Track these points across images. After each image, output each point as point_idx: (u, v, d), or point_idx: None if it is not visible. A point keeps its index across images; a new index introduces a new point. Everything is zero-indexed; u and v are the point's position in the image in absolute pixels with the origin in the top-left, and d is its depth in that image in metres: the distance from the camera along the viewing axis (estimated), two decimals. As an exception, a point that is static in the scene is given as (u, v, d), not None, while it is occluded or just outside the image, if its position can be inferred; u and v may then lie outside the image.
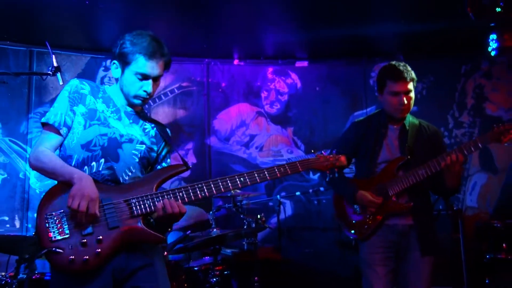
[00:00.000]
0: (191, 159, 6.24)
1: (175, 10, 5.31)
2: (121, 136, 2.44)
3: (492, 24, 4.27)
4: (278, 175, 2.52)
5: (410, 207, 3.20)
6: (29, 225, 5.50)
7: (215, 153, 6.37)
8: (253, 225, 4.52)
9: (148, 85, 2.43)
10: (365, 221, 3.29)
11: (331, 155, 2.67)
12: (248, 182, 2.44)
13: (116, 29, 5.54)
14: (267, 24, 5.67)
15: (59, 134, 2.40)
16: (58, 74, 3.48)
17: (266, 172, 2.49)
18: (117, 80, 2.51)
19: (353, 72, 6.40)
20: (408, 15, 5.38)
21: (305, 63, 6.62)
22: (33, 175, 5.59)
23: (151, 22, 5.38)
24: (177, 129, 6.25)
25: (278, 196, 5.75)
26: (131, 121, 2.52)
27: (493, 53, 4.80)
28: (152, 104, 6.18)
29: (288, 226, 6.08)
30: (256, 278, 4.38)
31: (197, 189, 2.38)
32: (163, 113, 6.22)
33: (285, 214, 6.16)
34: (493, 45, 4.71)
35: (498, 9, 3.91)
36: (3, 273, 3.80)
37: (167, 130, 2.63)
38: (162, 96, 6.25)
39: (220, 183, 2.41)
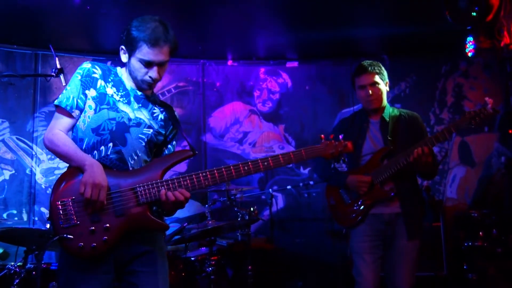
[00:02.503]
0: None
1: (172, 15, 5.32)
2: (129, 120, 2.39)
3: (469, 27, 4.31)
4: (283, 163, 2.42)
5: (393, 193, 3.23)
6: (36, 218, 5.53)
7: (211, 149, 6.40)
8: (247, 217, 4.54)
9: (153, 71, 2.36)
10: (353, 209, 3.33)
11: (338, 142, 2.55)
12: (252, 170, 2.37)
13: (116, 33, 5.54)
14: (258, 27, 5.68)
15: (72, 117, 2.36)
16: (61, 76, 3.52)
17: (270, 160, 2.39)
18: (125, 64, 2.45)
19: (340, 71, 6.43)
20: (391, 18, 5.41)
21: (295, 64, 6.64)
22: (39, 171, 5.62)
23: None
24: (175, 127, 6.27)
25: (270, 189, 5.80)
26: (140, 105, 2.45)
27: (470, 54, 4.84)
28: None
29: (280, 217, 6.10)
30: (249, 267, 4.41)
31: (201, 177, 2.31)
32: (161, 112, 6.22)
33: (277, 207, 6.19)
34: (470, 46, 4.76)
35: (473, 14, 3.95)
36: (12, 263, 3.83)
37: (176, 113, 2.56)
38: (159, 95, 6.26)
39: (224, 171, 2.33)
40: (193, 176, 2.32)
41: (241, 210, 4.64)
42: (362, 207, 3.30)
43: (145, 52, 2.32)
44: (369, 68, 3.36)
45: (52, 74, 3.52)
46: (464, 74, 6.22)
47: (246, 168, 2.37)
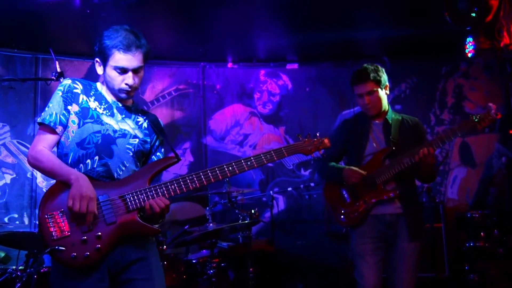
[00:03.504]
0: (189, 158, 6.28)
1: (172, 18, 5.34)
2: (114, 131, 2.40)
3: (468, 28, 4.31)
4: (265, 161, 2.47)
5: (396, 193, 3.24)
6: (37, 222, 5.52)
7: (211, 152, 6.40)
8: (248, 219, 4.55)
9: (128, 78, 2.37)
10: (354, 208, 3.33)
11: (315, 139, 2.64)
12: (237, 171, 2.40)
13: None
14: (258, 30, 5.69)
15: (55, 133, 2.37)
16: (62, 79, 3.53)
17: (253, 159, 2.44)
18: (102, 77, 2.45)
19: (340, 73, 6.43)
20: (391, 20, 5.42)
21: (295, 66, 6.65)
22: (39, 175, 5.62)
23: (149, 29, 5.40)
24: (175, 129, 6.28)
25: (271, 191, 5.81)
26: (123, 115, 2.47)
27: (470, 55, 4.85)
28: (150, 106, 6.21)
29: (280, 219, 6.12)
30: (251, 269, 4.40)
31: (188, 180, 2.35)
32: (161, 114, 6.23)
33: (278, 209, 6.20)
34: (469, 47, 4.76)
35: (473, 14, 3.95)
36: (13, 267, 3.82)
37: (159, 121, 2.58)
38: (160, 98, 6.28)
39: (209, 173, 2.37)
40: (180, 180, 2.35)
41: (242, 212, 4.65)
42: (365, 206, 3.30)
43: (118, 58, 2.33)
44: (366, 76, 3.35)
45: (53, 78, 3.52)
46: (464, 75, 6.22)
47: (230, 168, 2.41)
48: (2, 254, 4.37)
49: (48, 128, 2.37)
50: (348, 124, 3.56)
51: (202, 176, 2.37)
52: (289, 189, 5.81)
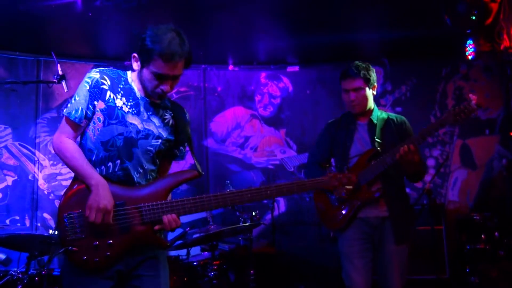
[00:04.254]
0: (190, 160, 6.26)
1: (173, 21, 5.30)
2: (138, 132, 2.36)
3: (468, 31, 4.31)
4: (286, 193, 2.50)
5: (380, 193, 3.20)
6: (38, 224, 5.54)
7: (212, 154, 6.41)
8: (248, 221, 4.55)
9: (165, 85, 2.32)
10: (341, 212, 3.29)
11: (342, 174, 2.57)
12: (256, 198, 2.41)
13: (117, 39, 5.58)
14: (259, 32, 5.70)
15: (80, 127, 2.37)
16: (63, 82, 3.54)
17: (274, 189, 2.43)
18: (137, 71, 2.39)
19: (341, 75, 6.44)
20: (391, 22, 5.42)
21: (296, 68, 6.66)
22: (41, 177, 5.63)
23: (151, 32, 5.41)
24: (176, 132, 6.28)
25: (271, 193, 5.79)
26: (150, 113, 2.41)
27: (470, 57, 4.84)
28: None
29: (281, 222, 6.12)
30: (251, 271, 4.40)
31: (205, 202, 2.35)
32: (163, 117, 6.23)
33: (279, 211, 6.21)
34: (470, 50, 4.76)
35: (472, 17, 3.95)
36: (15, 269, 3.83)
37: (186, 115, 2.54)
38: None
39: (227, 197, 2.37)
40: (197, 199, 2.35)
41: (243, 215, 4.65)
42: (349, 208, 3.26)
43: (159, 66, 2.26)
44: (354, 72, 3.34)
45: (54, 80, 3.55)
46: (464, 77, 6.22)
47: (249, 195, 2.40)
48: (4, 256, 4.38)
49: (73, 123, 2.36)
50: (333, 126, 3.52)
51: (220, 199, 2.37)
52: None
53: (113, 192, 2.28)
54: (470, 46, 4.80)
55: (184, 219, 5.84)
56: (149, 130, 2.40)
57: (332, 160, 3.55)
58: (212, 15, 5.10)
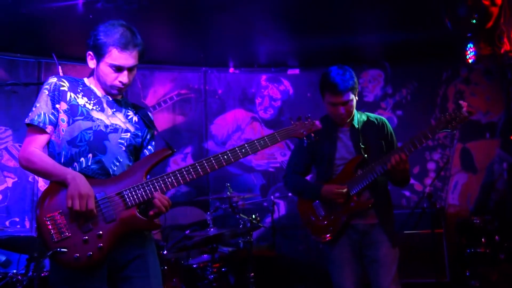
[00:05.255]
0: (190, 162, 6.28)
1: (174, 23, 5.36)
2: (106, 127, 2.37)
3: (469, 34, 4.32)
4: (259, 148, 2.47)
5: (372, 203, 3.11)
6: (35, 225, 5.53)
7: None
8: (248, 224, 4.54)
9: (123, 76, 2.36)
10: (329, 223, 3.20)
11: (306, 121, 2.62)
12: (232, 159, 2.39)
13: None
14: (260, 35, 5.71)
15: (45, 133, 2.32)
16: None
17: (247, 146, 2.44)
18: (93, 70, 2.43)
19: (341, 78, 6.44)
20: (392, 25, 5.43)
21: (297, 71, 6.67)
22: (41, 179, 5.63)
23: (151, 35, 5.42)
24: (176, 134, 6.29)
25: (272, 196, 5.81)
26: (114, 109, 2.44)
27: (470, 61, 4.85)
28: (152, 110, 6.22)
29: (281, 224, 6.10)
30: (251, 274, 4.40)
31: (184, 172, 2.33)
32: (162, 119, 6.25)
33: (279, 214, 6.20)
34: (470, 53, 4.76)
35: (473, 21, 3.96)
36: (14, 271, 3.82)
37: (149, 114, 2.57)
38: (161, 103, 6.29)
39: (205, 163, 2.35)
40: (176, 172, 2.33)
41: (243, 217, 4.64)
42: (339, 219, 3.17)
43: (114, 56, 2.32)
44: (342, 87, 3.11)
45: (55, 82, 3.54)
46: (465, 80, 6.23)
47: (225, 157, 2.39)
48: (3, 258, 4.38)
49: (38, 129, 2.32)
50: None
51: (198, 167, 2.35)
52: (290, 194, 5.79)
53: (91, 186, 2.23)
54: (471, 50, 4.80)
55: (184, 221, 5.86)
56: (116, 124, 2.41)
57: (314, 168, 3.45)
58: (213, 17, 5.11)
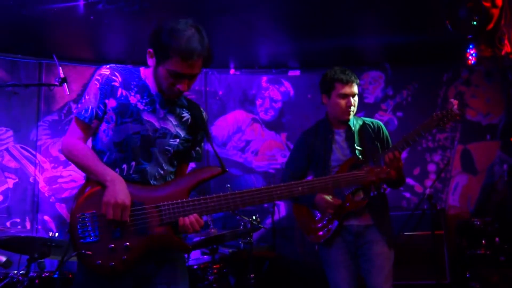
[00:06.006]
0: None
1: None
2: (155, 131, 2.21)
3: (470, 36, 4.32)
4: (318, 189, 2.35)
5: (365, 203, 3.14)
6: (39, 226, 5.54)
7: (213, 158, 6.42)
8: (249, 225, 4.54)
9: (182, 84, 2.16)
10: (324, 224, 3.23)
11: (380, 168, 2.50)
12: (284, 196, 2.24)
13: (119, 42, 5.60)
14: (261, 37, 5.71)
15: (90, 128, 2.22)
16: (65, 85, 3.55)
17: (305, 185, 2.28)
18: (151, 67, 2.23)
19: (342, 80, 6.44)
20: (393, 27, 5.44)
21: (297, 72, 6.67)
22: (42, 180, 5.64)
23: (152, 36, 5.43)
24: (177, 135, 6.29)
25: (272, 197, 5.77)
26: (166, 111, 2.26)
27: (471, 63, 4.85)
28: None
29: (282, 226, 6.10)
30: (252, 275, 4.40)
31: (230, 200, 2.17)
32: (164, 120, 6.25)
33: (279, 215, 6.20)
34: (471, 55, 4.77)
35: (474, 23, 3.96)
36: (15, 272, 3.83)
37: (203, 115, 2.38)
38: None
39: (256, 195, 2.20)
40: (222, 197, 2.18)
41: (243, 219, 4.64)
42: (334, 220, 3.19)
43: (176, 64, 2.11)
44: (354, 78, 3.28)
45: (56, 83, 3.56)
46: (465, 82, 6.23)
47: (278, 192, 2.24)
48: (4, 259, 4.38)
49: (84, 124, 2.22)
50: (309, 136, 3.41)
51: (246, 198, 2.19)
52: (290, 196, 5.78)
53: (130, 192, 2.12)
54: (472, 52, 4.81)
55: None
56: (166, 128, 2.25)
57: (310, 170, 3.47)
58: (214, 19, 5.12)
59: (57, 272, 3.88)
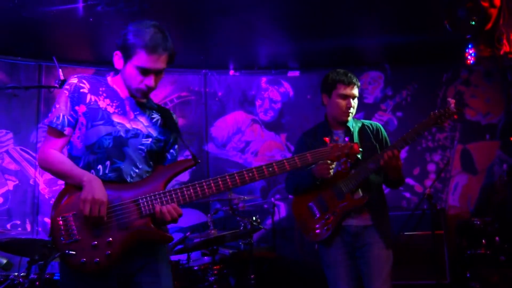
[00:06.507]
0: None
1: (174, 25, 5.37)
2: (127, 131, 2.30)
3: (468, 36, 4.32)
4: (288, 168, 2.37)
5: (365, 201, 3.15)
6: (39, 229, 5.54)
7: (213, 159, 6.42)
8: (249, 226, 4.55)
9: (149, 80, 2.27)
10: (324, 223, 3.23)
11: (344, 144, 2.55)
12: (257, 177, 2.32)
13: (119, 44, 5.61)
14: (260, 37, 5.72)
15: (63, 135, 2.29)
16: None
17: (275, 165, 2.34)
18: (119, 71, 2.35)
19: (341, 80, 6.45)
20: (392, 27, 5.44)
21: (297, 73, 6.68)
22: (42, 182, 5.64)
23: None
24: (177, 136, 6.30)
25: (272, 198, 5.81)
26: (137, 113, 2.36)
27: (470, 63, 4.85)
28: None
29: (282, 226, 6.11)
30: (252, 276, 4.41)
31: (204, 186, 2.26)
32: (164, 121, 6.25)
33: (279, 216, 6.21)
34: (470, 55, 4.77)
35: (472, 23, 3.96)
36: (15, 274, 3.83)
37: (174, 117, 2.48)
38: (162, 105, 6.29)
39: (228, 179, 2.29)
40: (196, 185, 2.27)
41: (243, 219, 4.65)
42: (332, 218, 3.20)
43: (143, 59, 2.23)
44: (355, 80, 3.32)
45: (56, 85, 3.56)
46: (465, 82, 6.24)
47: (250, 174, 2.32)
48: (4, 261, 4.38)
49: (56, 131, 2.29)
50: (308, 137, 3.44)
51: (220, 181, 2.29)
52: (291, 196, 5.78)
53: (108, 190, 2.19)
54: (471, 52, 4.80)
55: (185, 223, 5.86)
56: (137, 129, 2.34)
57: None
58: (214, 20, 5.13)
59: (56, 274, 3.88)
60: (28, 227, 5.51)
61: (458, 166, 6.16)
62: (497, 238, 5.04)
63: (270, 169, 2.34)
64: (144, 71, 2.26)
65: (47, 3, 4.55)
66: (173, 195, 2.25)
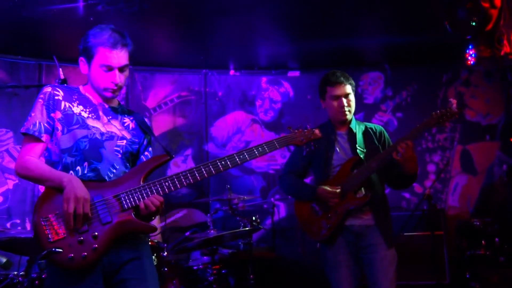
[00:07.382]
0: (190, 164, 6.29)
1: (175, 26, 5.38)
2: (101, 134, 2.39)
3: (469, 37, 4.32)
4: (257, 155, 2.47)
5: (367, 199, 3.17)
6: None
7: (213, 159, 6.39)
8: (249, 226, 4.55)
9: (114, 76, 2.37)
10: (326, 221, 3.24)
11: (306, 130, 2.63)
12: (230, 165, 2.41)
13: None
14: (260, 37, 5.72)
15: (41, 141, 2.35)
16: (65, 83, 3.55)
17: (245, 153, 2.45)
18: (87, 76, 2.44)
19: (341, 81, 6.45)
20: (392, 27, 5.45)
21: (297, 73, 6.68)
22: (42, 181, 5.64)
23: (152, 37, 5.45)
24: (177, 136, 6.30)
25: (272, 198, 5.81)
26: (110, 117, 2.46)
27: (470, 63, 4.85)
28: (153, 113, 6.24)
29: (281, 226, 6.11)
30: (251, 276, 4.41)
31: (181, 177, 2.35)
32: (163, 121, 6.26)
33: (279, 216, 6.21)
34: (470, 55, 4.76)
35: (472, 23, 3.96)
36: (15, 273, 3.83)
37: (145, 119, 2.58)
38: (162, 105, 6.31)
39: (203, 168, 2.37)
40: (173, 176, 2.36)
41: (243, 219, 4.65)
42: (334, 217, 3.21)
43: (104, 56, 2.34)
44: (343, 79, 3.32)
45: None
46: (465, 82, 6.24)
47: (223, 163, 2.40)
48: (4, 260, 4.38)
49: (33, 138, 2.35)
50: None
51: (195, 171, 2.37)
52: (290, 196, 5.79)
53: (88, 188, 2.26)
54: (471, 52, 4.80)
55: (184, 223, 5.85)
56: (112, 132, 2.43)
57: (312, 171, 3.51)
58: (214, 20, 5.13)
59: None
60: (28, 226, 5.50)
61: (458, 167, 6.16)
62: (496, 238, 5.05)
63: (241, 156, 2.44)
64: (108, 68, 2.36)
65: (47, 2, 4.55)
66: (152, 187, 2.33)
